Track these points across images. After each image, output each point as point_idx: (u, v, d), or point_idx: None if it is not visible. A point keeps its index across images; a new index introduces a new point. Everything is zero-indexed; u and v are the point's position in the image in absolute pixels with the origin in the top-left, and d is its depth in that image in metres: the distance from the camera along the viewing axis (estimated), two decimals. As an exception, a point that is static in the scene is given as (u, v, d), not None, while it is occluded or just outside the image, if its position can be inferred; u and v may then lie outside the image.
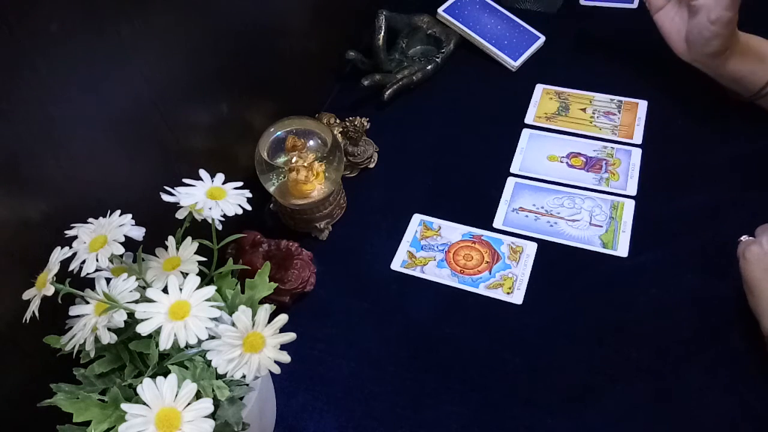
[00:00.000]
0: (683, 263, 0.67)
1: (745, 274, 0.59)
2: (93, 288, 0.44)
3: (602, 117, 0.84)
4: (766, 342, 0.56)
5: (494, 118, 0.86)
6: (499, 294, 0.68)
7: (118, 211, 0.47)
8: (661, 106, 0.84)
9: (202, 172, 0.50)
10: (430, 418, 0.59)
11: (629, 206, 0.73)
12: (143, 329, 0.42)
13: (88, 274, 0.43)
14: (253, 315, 0.44)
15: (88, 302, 0.45)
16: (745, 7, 0.70)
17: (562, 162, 0.79)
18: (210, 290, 0.44)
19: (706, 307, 0.64)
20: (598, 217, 0.73)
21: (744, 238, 0.62)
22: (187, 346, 0.42)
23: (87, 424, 0.43)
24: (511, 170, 0.79)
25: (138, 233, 0.47)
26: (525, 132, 0.84)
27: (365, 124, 0.79)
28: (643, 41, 0.80)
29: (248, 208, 0.49)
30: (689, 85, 0.81)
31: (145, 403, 0.40)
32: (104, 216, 0.48)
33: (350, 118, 0.78)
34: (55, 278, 0.42)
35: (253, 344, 0.44)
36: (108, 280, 0.45)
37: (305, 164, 0.69)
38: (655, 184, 0.75)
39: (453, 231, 0.74)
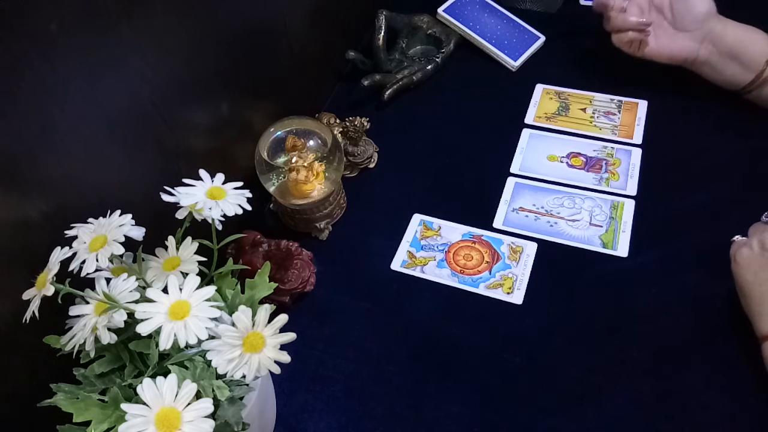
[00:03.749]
0: (683, 263, 0.67)
1: (736, 277, 0.59)
2: (93, 288, 0.44)
3: (602, 117, 0.84)
4: (760, 343, 0.56)
5: (494, 118, 0.86)
6: (499, 294, 0.68)
7: (118, 211, 0.47)
8: (661, 106, 0.84)
9: (202, 172, 0.50)
10: (430, 418, 0.59)
11: (629, 206, 0.73)
12: (143, 329, 0.42)
13: (88, 274, 0.43)
14: (253, 315, 0.44)
15: (88, 302, 0.45)
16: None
17: (562, 162, 0.79)
18: (210, 290, 0.44)
19: (706, 307, 0.64)
20: (598, 217, 0.73)
21: (737, 238, 0.62)
22: (187, 346, 0.42)
23: (87, 424, 0.43)
24: (511, 170, 0.79)
25: (138, 233, 0.47)
26: (525, 132, 0.84)
27: (365, 124, 0.79)
28: (643, 41, 0.81)
29: (248, 208, 0.49)
30: (689, 85, 0.81)
31: (145, 403, 0.40)
32: (104, 216, 0.48)
33: (350, 118, 0.79)
34: (55, 278, 0.42)
35: (253, 344, 0.44)
36: (108, 280, 0.45)
37: (305, 164, 0.69)
38: (655, 184, 0.75)
39: (453, 231, 0.74)
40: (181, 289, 0.44)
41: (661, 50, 0.78)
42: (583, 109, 0.85)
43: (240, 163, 0.74)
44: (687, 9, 0.75)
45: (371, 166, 0.82)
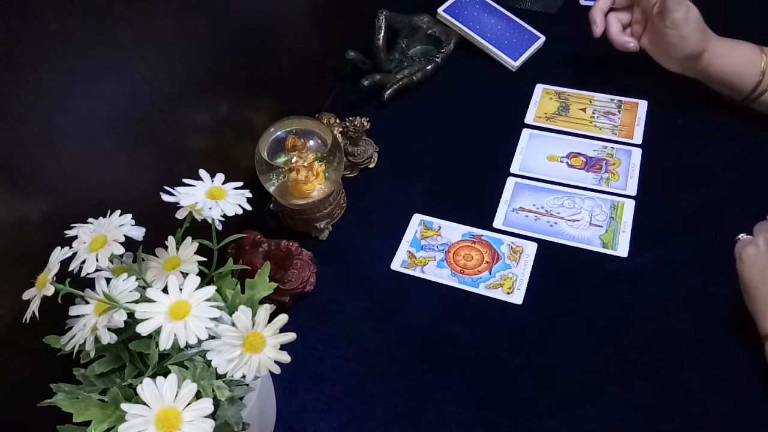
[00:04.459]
0: (683, 263, 0.67)
1: (741, 275, 0.59)
2: (93, 288, 0.44)
3: (602, 117, 0.84)
4: (763, 342, 0.56)
5: (494, 118, 0.86)
6: (499, 294, 0.68)
7: (118, 211, 0.47)
8: (661, 106, 0.84)
9: (202, 172, 0.50)
10: (430, 418, 0.59)
11: (629, 206, 0.73)
12: (143, 329, 0.42)
13: (88, 274, 0.43)
14: (253, 315, 0.44)
15: (88, 302, 0.45)
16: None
17: (562, 162, 0.79)
18: (210, 290, 0.44)
19: (706, 307, 0.64)
20: (598, 217, 0.73)
21: (742, 236, 0.62)
22: (187, 346, 0.42)
23: (87, 424, 0.43)
24: (511, 170, 0.79)
25: (138, 233, 0.47)
26: (525, 132, 0.84)
27: (365, 124, 0.79)
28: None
29: (248, 208, 0.49)
30: (689, 85, 0.81)
31: (145, 403, 0.40)
32: (104, 216, 0.48)
33: (350, 118, 0.78)
34: (55, 278, 0.42)
35: (253, 344, 0.44)
36: (108, 280, 0.45)
37: (305, 164, 0.69)
38: (655, 184, 0.75)
39: (453, 231, 0.74)
40: (181, 289, 0.44)
41: (651, 52, 0.80)
42: (583, 109, 0.85)
43: (240, 163, 0.74)
44: (673, 44, 0.75)
45: (371, 166, 0.82)
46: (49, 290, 0.42)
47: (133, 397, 0.43)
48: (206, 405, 0.41)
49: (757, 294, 0.57)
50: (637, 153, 0.79)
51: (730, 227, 0.64)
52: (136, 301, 0.44)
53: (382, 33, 0.88)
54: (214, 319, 0.43)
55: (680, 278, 0.66)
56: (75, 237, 0.46)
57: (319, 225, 0.74)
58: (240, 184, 0.51)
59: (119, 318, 0.43)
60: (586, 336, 0.63)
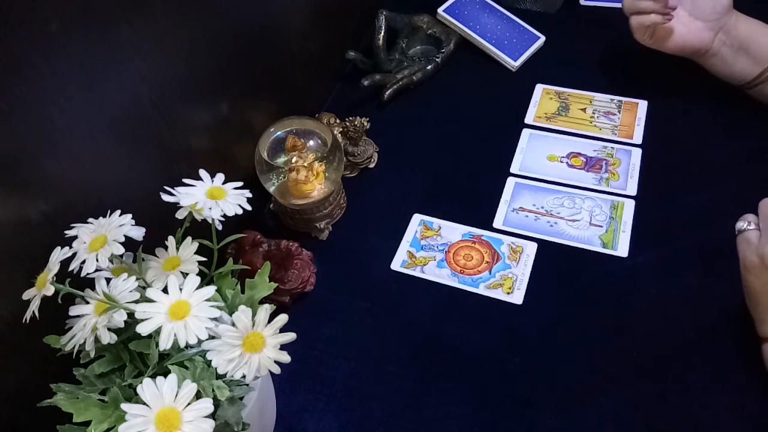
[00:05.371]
0: (683, 263, 0.67)
1: (744, 279, 0.58)
2: (93, 288, 0.44)
3: (602, 117, 0.84)
4: (760, 344, 0.56)
5: (494, 118, 0.86)
6: (499, 294, 0.68)
7: (118, 211, 0.47)
8: (661, 106, 0.83)
9: (202, 172, 0.50)
10: (430, 418, 0.59)
11: (629, 206, 0.73)
12: (143, 329, 0.42)
13: (88, 274, 0.43)
14: (253, 315, 0.44)
15: (88, 302, 0.45)
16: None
17: (562, 162, 0.79)
18: (210, 290, 0.44)
19: (705, 307, 0.64)
20: (598, 217, 0.73)
21: (742, 225, 0.58)
22: (187, 346, 0.42)
23: (87, 424, 0.43)
24: (511, 170, 0.79)
25: (138, 233, 0.47)
26: (525, 132, 0.84)
27: (365, 124, 0.79)
28: (643, 41, 0.81)
29: (248, 208, 0.49)
30: (689, 85, 0.81)
31: (145, 403, 0.40)
32: (104, 216, 0.48)
33: (350, 118, 0.79)
34: (55, 278, 0.42)
35: (253, 344, 0.44)
36: (108, 280, 0.45)
37: (305, 164, 0.69)
38: (655, 184, 0.75)
39: (453, 231, 0.74)
40: (181, 289, 0.44)
41: (675, 38, 0.76)
42: (583, 109, 0.85)
43: (240, 163, 0.74)
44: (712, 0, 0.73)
45: (371, 166, 0.82)
46: (49, 290, 0.42)
47: (133, 397, 0.43)
48: (206, 405, 0.41)
49: (759, 301, 0.57)
50: (637, 153, 0.79)
51: (730, 227, 0.64)
52: (136, 301, 0.44)
53: (382, 33, 0.88)
54: (214, 319, 0.43)
55: (680, 278, 0.66)
56: (75, 237, 0.46)
57: (319, 225, 0.74)
58: (240, 184, 0.51)
59: (119, 318, 0.43)
60: (585, 336, 0.63)
